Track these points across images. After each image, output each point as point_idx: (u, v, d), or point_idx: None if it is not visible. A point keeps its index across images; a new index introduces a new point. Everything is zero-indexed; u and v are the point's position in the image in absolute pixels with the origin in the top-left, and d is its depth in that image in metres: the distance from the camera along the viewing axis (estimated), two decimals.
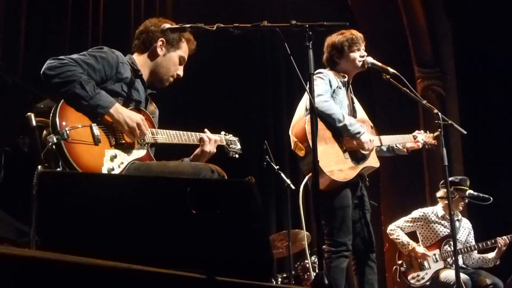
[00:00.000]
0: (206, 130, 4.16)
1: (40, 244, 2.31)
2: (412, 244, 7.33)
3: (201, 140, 4.09)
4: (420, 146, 5.57)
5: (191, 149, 4.15)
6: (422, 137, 5.56)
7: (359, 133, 4.94)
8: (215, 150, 4.14)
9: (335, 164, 4.85)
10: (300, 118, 5.04)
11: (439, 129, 5.24)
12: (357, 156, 5.02)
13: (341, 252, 4.87)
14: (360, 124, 5.07)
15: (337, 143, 4.94)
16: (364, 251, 5.07)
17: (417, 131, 5.64)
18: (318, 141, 4.67)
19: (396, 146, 5.53)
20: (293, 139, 5.00)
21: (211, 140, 4.11)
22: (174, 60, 4.14)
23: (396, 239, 7.42)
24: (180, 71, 4.19)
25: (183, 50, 4.19)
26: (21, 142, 4.57)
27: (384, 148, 5.43)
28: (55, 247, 2.13)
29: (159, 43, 4.10)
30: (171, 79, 4.18)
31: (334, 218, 4.91)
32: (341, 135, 4.95)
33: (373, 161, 5.15)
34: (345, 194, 4.94)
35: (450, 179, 5.94)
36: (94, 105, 3.58)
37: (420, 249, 7.28)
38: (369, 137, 5.01)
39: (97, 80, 3.72)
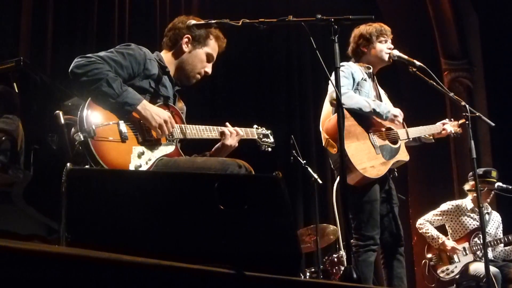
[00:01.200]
0: (227, 123, 4.11)
1: (70, 240, 2.33)
2: (442, 238, 7.30)
3: (222, 134, 4.05)
4: (446, 134, 5.53)
5: (215, 143, 4.14)
6: (450, 128, 5.52)
7: (389, 111, 4.96)
8: (236, 144, 4.09)
9: (367, 160, 4.83)
10: (328, 113, 4.99)
11: (466, 121, 5.21)
12: (388, 150, 4.99)
13: (368, 246, 4.85)
14: (385, 103, 5.08)
15: (369, 139, 4.92)
16: (392, 245, 5.04)
17: (443, 121, 5.59)
18: (350, 138, 4.68)
19: (423, 135, 5.48)
20: (324, 135, 4.95)
21: (232, 134, 4.06)
22: (200, 57, 4.12)
23: (426, 233, 7.39)
24: (208, 68, 4.16)
25: (211, 47, 4.15)
26: (50, 140, 4.61)
27: (411, 138, 5.37)
28: (84, 244, 2.15)
29: (185, 40, 4.09)
30: (198, 76, 4.16)
31: (362, 212, 4.90)
32: (372, 128, 4.94)
33: (403, 155, 5.12)
34: (374, 188, 4.92)
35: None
36: (121, 102, 3.60)
37: (450, 242, 7.25)
38: (397, 110, 5.05)
39: (125, 77, 3.74)
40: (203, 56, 4.13)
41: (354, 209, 4.94)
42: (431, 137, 5.50)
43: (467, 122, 5.22)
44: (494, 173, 7.34)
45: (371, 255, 4.86)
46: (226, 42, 4.23)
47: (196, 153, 4.07)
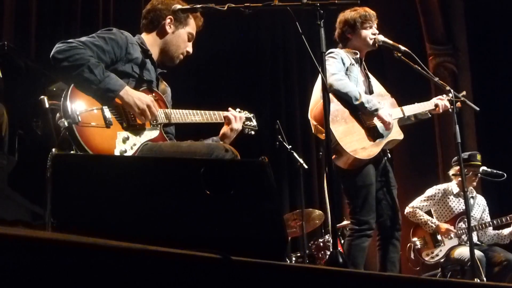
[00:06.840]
0: (230, 108, 4.16)
1: (55, 226, 2.32)
2: (436, 221, 7.31)
3: (226, 118, 4.10)
4: (441, 110, 5.34)
5: (211, 128, 4.13)
6: (443, 102, 5.34)
7: (376, 109, 4.88)
8: (241, 127, 4.16)
9: (357, 142, 4.81)
10: (317, 100, 4.93)
11: (451, 107, 5.22)
12: (379, 131, 4.97)
13: (364, 231, 4.85)
14: (378, 100, 5.01)
15: (357, 121, 4.89)
16: (389, 229, 5.02)
17: (439, 96, 5.47)
18: (337, 122, 4.67)
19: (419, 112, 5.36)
20: (312, 122, 4.94)
21: (237, 118, 4.11)
22: (183, 37, 4.14)
23: (419, 219, 7.36)
24: (189, 47, 4.19)
25: (191, 26, 4.18)
26: (35, 125, 4.59)
27: (406, 116, 5.26)
28: (70, 229, 2.14)
29: (168, 20, 4.10)
30: (181, 56, 4.18)
31: (357, 197, 4.89)
32: (360, 112, 4.92)
33: (396, 134, 5.09)
34: (368, 172, 4.91)
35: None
36: (103, 88, 3.57)
37: (444, 224, 7.25)
38: (387, 111, 4.95)
39: (107, 62, 3.72)
40: (185, 36, 4.15)
41: (349, 194, 4.94)
42: (427, 112, 5.38)
43: (452, 106, 5.23)
44: (479, 157, 7.36)
45: (365, 240, 4.86)
46: (203, 21, 4.26)
47: (201, 138, 4.08)
